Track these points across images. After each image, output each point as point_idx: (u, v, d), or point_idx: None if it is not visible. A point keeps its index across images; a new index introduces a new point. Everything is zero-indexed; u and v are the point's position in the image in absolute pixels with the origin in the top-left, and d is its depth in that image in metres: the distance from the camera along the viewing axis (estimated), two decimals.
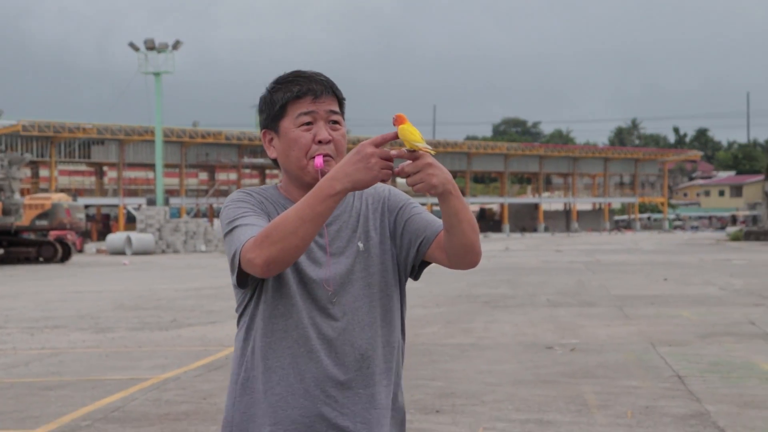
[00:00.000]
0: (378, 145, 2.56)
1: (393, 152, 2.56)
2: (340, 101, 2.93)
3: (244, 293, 2.88)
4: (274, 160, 2.94)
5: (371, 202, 2.94)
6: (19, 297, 22.29)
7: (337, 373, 2.80)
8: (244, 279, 2.78)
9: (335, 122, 2.88)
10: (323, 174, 2.78)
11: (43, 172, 76.06)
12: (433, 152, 2.59)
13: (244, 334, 2.88)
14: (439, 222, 2.81)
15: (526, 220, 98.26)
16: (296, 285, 2.80)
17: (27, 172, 69.66)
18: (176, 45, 56.81)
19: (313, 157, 2.83)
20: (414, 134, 2.59)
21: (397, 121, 2.64)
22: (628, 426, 7.88)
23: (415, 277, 2.97)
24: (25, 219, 43.18)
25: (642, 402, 8.84)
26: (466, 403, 8.90)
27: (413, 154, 2.57)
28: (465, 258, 2.75)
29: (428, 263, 2.93)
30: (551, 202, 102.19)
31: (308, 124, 2.84)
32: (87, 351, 12.86)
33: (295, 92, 2.85)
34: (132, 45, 56.91)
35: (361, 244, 2.88)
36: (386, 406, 2.86)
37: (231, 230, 2.77)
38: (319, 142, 2.83)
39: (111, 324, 15.87)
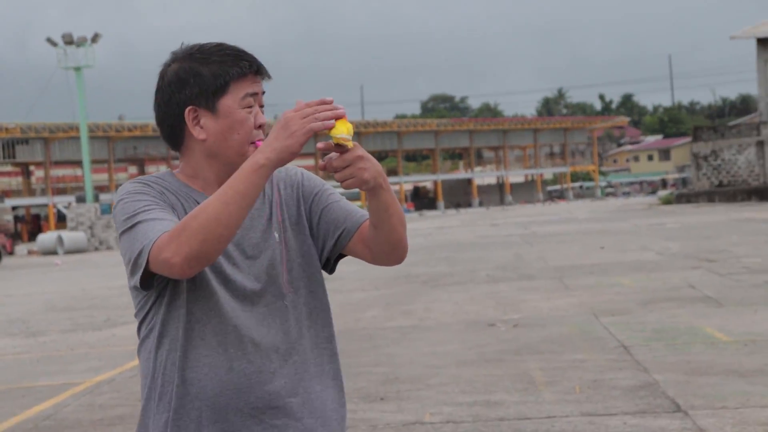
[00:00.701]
0: (298, 109, 2.32)
1: (319, 144, 2.35)
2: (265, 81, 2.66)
3: (146, 297, 2.54)
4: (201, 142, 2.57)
5: (283, 188, 2.66)
6: None
7: (266, 379, 2.52)
8: (149, 281, 2.43)
9: (262, 105, 2.62)
10: None
11: None
12: (351, 146, 2.35)
13: (156, 342, 2.54)
14: (361, 212, 2.61)
15: (460, 195, 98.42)
16: (216, 282, 2.50)
17: None
18: (95, 38, 55.71)
19: (253, 143, 2.54)
20: (339, 127, 2.34)
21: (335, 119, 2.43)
22: (577, 402, 7.73)
23: (330, 271, 2.71)
24: None
25: (589, 376, 8.69)
26: (411, 388, 8.69)
27: (340, 148, 2.34)
28: (392, 254, 2.54)
29: (344, 256, 2.68)
30: (484, 176, 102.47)
31: (250, 106, 2.55)
32: (17, 357, 12.45)
33: (244, 69, 2.54)
34: (50, 40, 55.73)
35: (275, 234, 2.60)
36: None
37: (131, 227, 2.42)
38: (260, 126, 2.57)
39: (42, 327, 15.42)
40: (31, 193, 77.13)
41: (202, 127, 2.55)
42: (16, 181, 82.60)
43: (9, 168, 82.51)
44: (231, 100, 2.53)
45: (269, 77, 2.60)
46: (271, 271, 2.57)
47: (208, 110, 2.54)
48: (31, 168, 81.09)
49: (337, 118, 2.33)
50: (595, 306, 13.40)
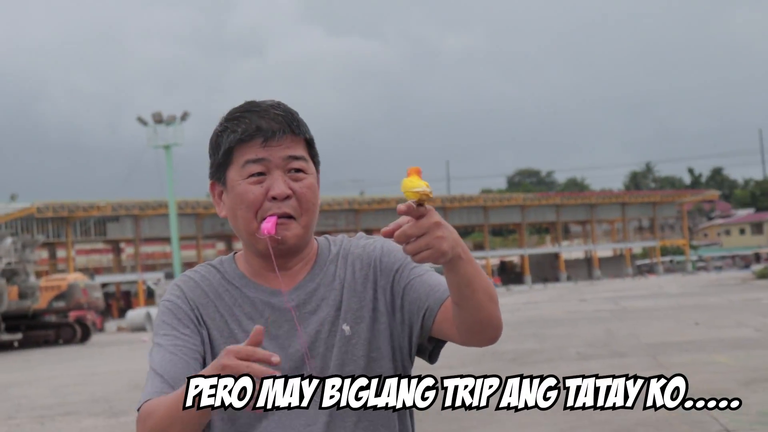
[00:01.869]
0: (241, 356, 1.85)
1: (401, 206, 1.95)
2: (308, 141, 2.28)
3: None
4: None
5: (359, 267, 2.28)
6: (34, 383, 21.70)
7: None
8: None
9: (298, 170, 2.23)
10: (275, 242, 2.19)
11: (61, 253, 76.04)
12: (430, 195, 1.97)
13: None
14: (446, 285, 2.15)
15: (547, 270, 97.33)
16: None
17: (42, 253, 69.65)
18: (184, 116, 56.65)
19: (264, 218, 2.20)
20: (413, 181, 1.98)
21: (408, 174, 2.05)
22: None
23: (431, 359, 2.30)
24: (42, 301, 42.77)
25: None
26: None
27: (419, 210, 1.93)
28: (482, 334, 2.10)
29: (444, 341, 2.26)
30: (571, 250, 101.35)
31: (260, 174, 2.20)
32: None
33: (240, 134, 2.20)
34: (140, 119, 56.82)
35: (347, 327, 2.23)
36: None
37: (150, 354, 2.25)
38: (273, 198, 2.20)
39: (125, 407, 15.25)
40: (121, 269, 78.30)
41: (223, 203, 2.31)
42: (107, 258, 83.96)
43: (100, 245, 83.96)
44: (234, 172, 2.24)
45: (302, 134, 2.23)
46: (340, 371, 2.23)
47: (221, 184, 2.29)
48: (122, 245, 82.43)
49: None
50: (693, 386, 12.76)
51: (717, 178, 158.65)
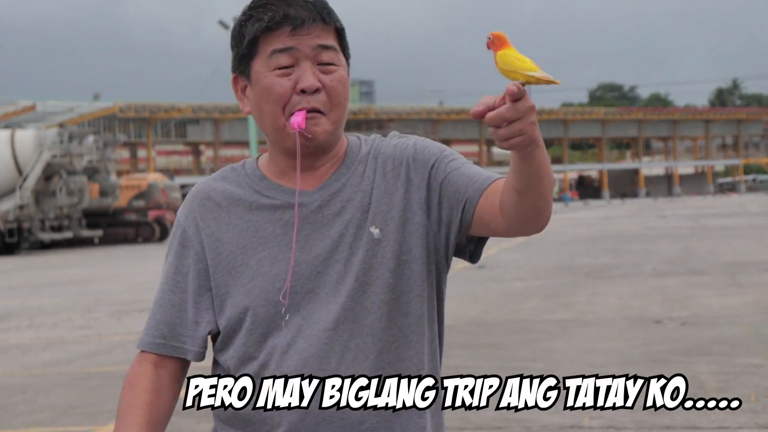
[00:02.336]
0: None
1: (512, 87, 1.73)
2: (338, 31, 2.11)
3: None
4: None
5: (390, 168, 2.12)
6: (113, 279, 22.13)
7: None
8: None
9: (329, 63, 2.07)
10: (305, 138, 2.04)
11: (141, 153, 77.06)
12: (558, 82, 1.81)
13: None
14: (485, 175, 2.07)
15: (626, 186, 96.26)
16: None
17: (123, 153, 70.62)
18: None
19: (292, 113, 2.04)
20: (525, 61, 1.80)
21: (496, 43, 1.84)
22: (753, 412, 7.07)
23: (473, 258, 2.16)
24: (122, 200, 43.53)
25: (766, 383, 8.00)
26: None
27: (521, 91, 1.73)
28: (537, 223, 1.97)
29: (485, 238, 2.13)
30: (651, 166, 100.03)
31: (288, 67, 2.04)
32: None
33: (266, 22, 2.04)
34: (222, 23, 56.78)
35: (375, 230, 2.08)
36: None
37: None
38: (302, 91, 2.03)
39: None
40: (201, 172, 79.13)
41: (247, 98, 2.14)
42: (187, 160, 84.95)
43: (180, 147, 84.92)
44: (260, 63, 2.07)
45: (332, 23, 2.08)
46: (365, 276, 2.07)
47: (245, 77, 2.12)
48: (201, 148, 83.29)
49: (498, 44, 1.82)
50: None
51: None
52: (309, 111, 2.03)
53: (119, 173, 53.55)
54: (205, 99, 77.10)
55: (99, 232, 42.49)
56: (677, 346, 9.92)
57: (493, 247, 25.28)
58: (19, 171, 38.95)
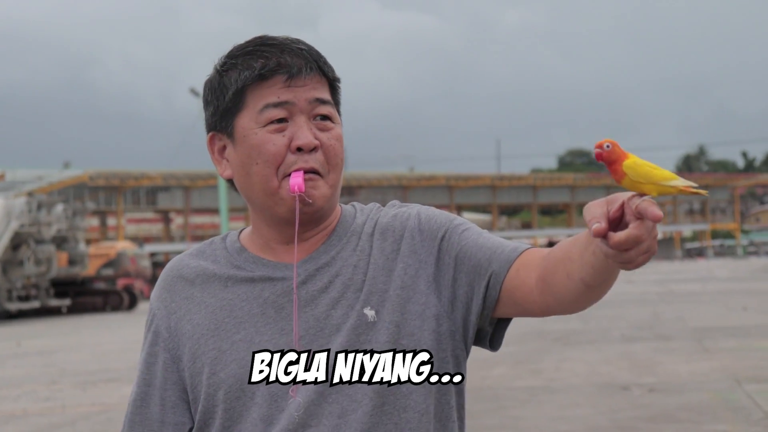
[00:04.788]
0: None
1: (647, 203, 1.48)
2: (332, 85, 1.85)
3: None
4: (231, 182, 1.87)
5: (391, 241, 1.84)
6: (79, 349, 21.91)
7: None
8: None
9: (325, 117, 1.81)
10: (303, 203, 1.77)
11: (111, 221, 76.75)
12: (704, 192, 1.62)
13: None
14: (510, 245, 1.79)
15: None
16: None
17: (93, 221, 70.31)
18: None
19: (288, 175, 1.78)
20: (661, 170, 1.58)
21: (616, 152, 1.59)
22: None
23: (493, 346, 1.86)
24: (90, 268, 43.22)
25: None
26: None
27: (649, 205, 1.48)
28: (585, 306, 1.75)
29: (507, 320, 1.84)
30: None
31: (280, 121, 1.78)
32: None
33: (258, 70, 1.78)
34: (193, 91, 57.02)
35: (371, 312, 1.78)
36: None
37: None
38: (298, 149, 1.77)
39: None
40: (171, 239, 78.84)
41: (226, 160, 1.85)
42: (157, 228, 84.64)
43: (150, 215, 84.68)
44: (247, 118, 1.79)
45: (327, 76, 1.83)
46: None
47: (228, 135, 1.83)
48: (171, 215, 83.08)
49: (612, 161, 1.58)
50: (738, 372, 12.59)
51: None
52: (306, 172, 1.77)
53: (88, 241, 53.23)
54: (175, 167, 77.19)
55: (67, 302, 42.11)
56: (644, 412, 9.93)
57: None
58: None
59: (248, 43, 1.82)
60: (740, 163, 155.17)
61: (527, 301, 1.74)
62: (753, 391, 10.91)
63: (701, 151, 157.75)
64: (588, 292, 1.68)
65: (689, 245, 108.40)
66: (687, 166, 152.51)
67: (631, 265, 1.52)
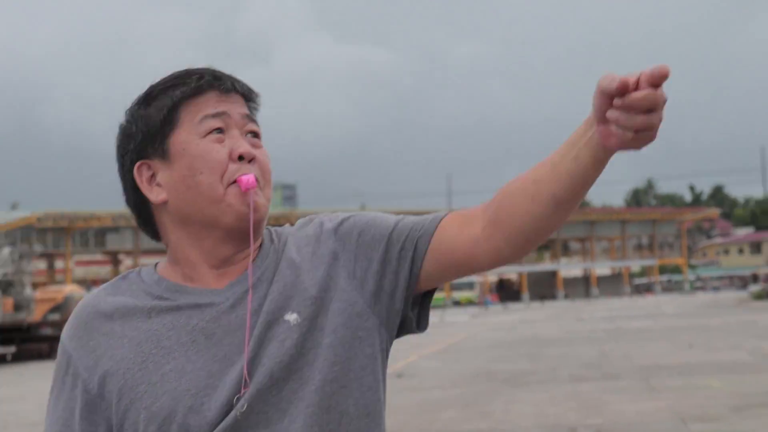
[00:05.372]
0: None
1: (666, 67, 1.50)
2: (252, 109, 1.88)
3: None
4: (145, 221, 1.91)
5: (308, 249, 1.85)
6: (24, 398, 21.58)
7: None
8: None
9: (255, 134, 1.85)
10: (252, 206, 1.78)
11: (59, 264, 75.97)
12: None
13: None
14: (433, 215, 1.83)
15: (545, 288, 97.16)
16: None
17: (40, 264, 69.56)
18: None
19: (233, 182, 1.77)
20: None
21: None
22: None
23: (420, 325, 1.88)
24: (36, 314, 42.64)
25: None
26: None
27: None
28: (531, 241, 1.72)
29: (429, 300, 1.87)
30: (570, 268, 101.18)
31: (219, 131, 1.80)
32: None
33: (195, 83, 1.80)
34: None
35: (292, 316, 1.76)
36: None
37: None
38: (240, 158, 1.79)
39: None
40: None
41: (159, 184, 1.83)
42: (105, 270, 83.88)
43: (99, 257, 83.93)
44: (185, 132, 1.79)
45: (251, 99, 1.87)
46: (282, 371, 1.74)
47: (160, 157, 1.82)
48: (120, 256, 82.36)
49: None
50: (683, 411, 12.70)
51: (718, 196, 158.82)
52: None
53: (35, 285, 52.64)
54: (125, 207, 76.62)
55: (12, 349, 41.48)
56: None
57: (412, 355, 25.28)
58: None
59: (170, 75, 1.85)
60: (687, 197, 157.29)
61: (469, 255, 1.74)
62: (698, 431, 11.01)
63: (649, 185, 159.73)
64: (553, 212, 1.66)
65: (638, 281, 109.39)
66: (636, 200, 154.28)
67: (636, 135, 1.52)
